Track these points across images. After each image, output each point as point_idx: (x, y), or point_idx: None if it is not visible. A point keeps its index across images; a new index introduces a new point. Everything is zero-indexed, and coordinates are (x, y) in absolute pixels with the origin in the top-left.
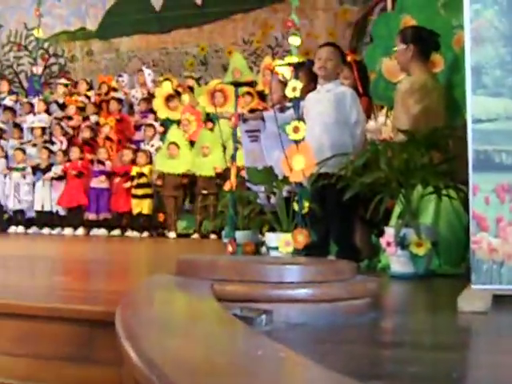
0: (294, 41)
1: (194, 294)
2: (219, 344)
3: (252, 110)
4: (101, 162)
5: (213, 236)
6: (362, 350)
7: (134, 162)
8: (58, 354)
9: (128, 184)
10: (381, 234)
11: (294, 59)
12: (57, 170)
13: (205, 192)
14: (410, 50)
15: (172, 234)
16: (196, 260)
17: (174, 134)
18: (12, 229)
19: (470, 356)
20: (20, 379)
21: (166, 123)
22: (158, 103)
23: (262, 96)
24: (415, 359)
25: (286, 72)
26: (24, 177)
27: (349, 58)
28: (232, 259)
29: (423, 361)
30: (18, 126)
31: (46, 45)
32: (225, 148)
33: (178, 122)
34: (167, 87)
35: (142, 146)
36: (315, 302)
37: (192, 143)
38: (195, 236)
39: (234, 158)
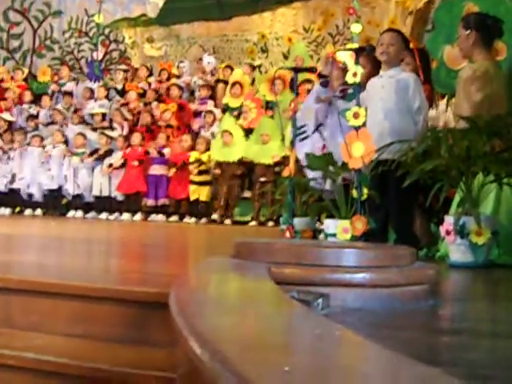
0: (356, 28)
1: (251, 276)
2: (275, 323)
3: None
4: (160, 153)
5: (270, 223)
6: (420, 336)
7: (192, 148)
8: (111, 335)
9: (173, 170)
10: (440, 222)
11: (355, 46)
12: (117, 159)
13: (263, 179)
14: (473, 36)
15: (228, 221)
16: (253, 243)
17: (226, 121)
18: (71, 213)
19: None
20: (73, 359)
21: (230, 110)
22: (224, 89)
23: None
24: (474, 346)
25: (346, 58)
26: (82, 161)
27: (411, 45)
28: (289, 242)
29: (482, 348)
30: (77, 111)
31: (106, 31)
32: (284, 136)
33: (239, 110)
34: (238, 74)
35: (202, 132)
36: (372, 287)
37: (250, 131)
38: (253, 223)
39: (292, 144)
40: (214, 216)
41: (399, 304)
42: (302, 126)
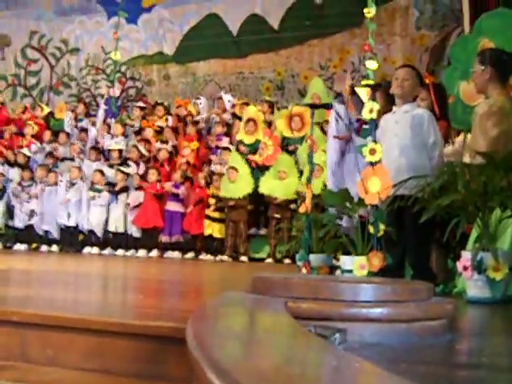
0: (371, 64)
1: (268, 310)
2: (293, 354)
3: None
4: (176, 192)
5: (287, 260)
6: (439, 370)
7: (208, 185)
8: (127, 370)
9: (190, 208)
10: (457, 258)
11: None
12: (133, 197)
13: (278, 216)
14: (488, 71)
15: (245, 258)
16: (270, 278)
17: (233, 158)
18: (86, 249)
19: None
20: None
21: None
22: (239, 125)
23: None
24: (492, 381)
25: (362, 94)
26: (96, 197)
27: (427, 81)
28: (306, 277)
29: (501, 382)
30: (95, 148)
31: (123, 68)
32: (301, 173)
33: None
34: (252, 110)
35: (218, 169)
36: (390, 322)
37: (263, 168)
38: (269, 260)
39: (309, 180)
40: (224, 257)
41: (417, 339)
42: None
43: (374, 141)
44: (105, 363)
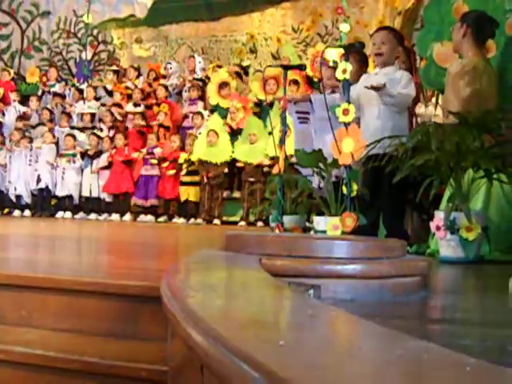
0: (344, 27)
1: (242, 266)
2: (269, 304)
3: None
4: (151, 153)
5: (260, 223)
6: (413, 324)
7: (182, 149)
8: (102, 329)
9: (172, 171)
10: (430, 218)
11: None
12: (104, 160)
13: (252, 179)
14: (463, 29)
15: (217, 221)
16: (244, 235)
17: (214, 121)
18: (59, 214)
19: None
20: (62, 353)
21: (219, 110)
22: (211, 89)
23: (310, 83)
24: (466, 334)
25: (335, 56)
26: (71, 162)
27: (405, 43)
28: (280, 235)
29: (474, 336)
30: (65, 112)
31: (95, 32)
32: (270, 134)
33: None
34: (223, 74)
35: (189, 132)
36: (364, 279)
37: (239, 131)
38: (242, 223)
39: (282, 141)
40: (199, 220)
41: (391, 295)
42: (303, 112)
43: (348, 101)
44: (79, 323)
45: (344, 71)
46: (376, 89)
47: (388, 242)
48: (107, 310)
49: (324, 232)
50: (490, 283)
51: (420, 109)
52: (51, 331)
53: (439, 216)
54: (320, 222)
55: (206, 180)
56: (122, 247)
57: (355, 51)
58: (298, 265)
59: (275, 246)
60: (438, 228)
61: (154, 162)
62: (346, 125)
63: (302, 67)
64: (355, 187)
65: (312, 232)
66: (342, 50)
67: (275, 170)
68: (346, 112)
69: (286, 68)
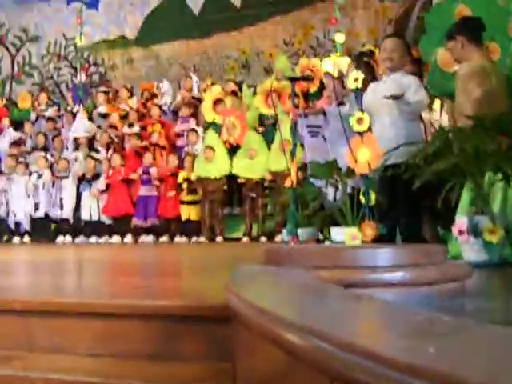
0: (339, 38)
1: (295, 277)
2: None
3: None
4: (146, 173)
5: (263, 238)
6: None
7: (179, 167)
8: (139, 352)
9: (172, 193)
10: (448, 224)
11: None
12: (102, 182)
13: (253, 195)
14: (459, 41)
15: (220, 239)
16: (285, 248)
17: (210, 137)
18: (59, 238)
19: None
20: (101, 378)
21: (214, 127)
22: (206, 106)
23: (305, 96)
24: None
25: (343, 65)
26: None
27: (414, 54)
28: (323, 246)
29: None
30: (59, 136)
31: (85, 54)
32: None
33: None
34: (217, 91)
35: (186, 150)
36: (411, 286)
37: (236, 147)
38: (245, 239)
39: (293, 153)
40: (201, 238)
41: (437, 302)
42: (313, 126)
43: (361, 110)
44: (115, 347)
45: (356, 80)
46: (396, 98)
47: (430, 247)
48: (144, 331)
49: (342, 243)
50: None
51: (425, 115)
52: (86, 357)
53: (461, 220)
54: (338, 233)
55: (204, 196)
56: (140, 267)
57: (359, 59)
58: (345, 275)
59: (319, 258)
60: (460, 232)
61: (157, 183)
62: (361, 134)
63: (309, 78)
64: (373, 196)
65: (328, 243)
66: (344, 60)
67: (288, 183)
68: (360, 121)
69: (293, 80)
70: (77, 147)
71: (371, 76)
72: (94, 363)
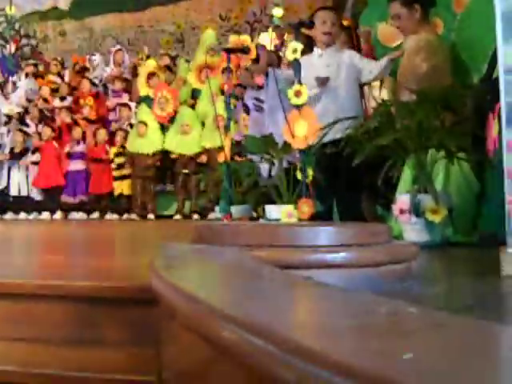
0: (278, 12)
1: (228, 256)
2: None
3: (239, 85)
4: (76, 147)
5: (195, 216)
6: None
7: (109, 142)
8: (57, 336)
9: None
10: (386, 203)
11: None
12: (34, 155)
13: (185, 171)
14: (416, 10)
15: (151, 216)
16: (218, 225)
17: (143, 112)
18: None
19: None
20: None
21: (147, 102)
22: (140, 81)
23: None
24: None
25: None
26: None
27: (345, 23)
28: (260, 224)
29: None
30: None
31: (16, 26)
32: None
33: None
34: (151, 65)
35: (118, 125)
36: (355, 267)
37: (170, 122)
38: (177, 217)
39: (227, 128)
40: (133, 216)
41: (383, 284)
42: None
43: (300, 82)
44: (31, 331)
45: (294, 51)
46: (323, 83)
47: (375, 226)
48: (63, 314)
49: (278, 220)
50: (468, 267)
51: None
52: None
53: (403, 199)
54: (273, 211)
55: (136, 172)
56: (67, 245)
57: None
58: (285, 255)
59: (255, 236)
60: (401, 211)
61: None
62: (299, 107)
63: (245, 50)
64: (310, 172)
65: (261, 220)
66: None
67: (221, 158)
68: (298, 94)
69: (229, 51)
70: (7, 122)
71: (309, 48)
72: (4, 348)
